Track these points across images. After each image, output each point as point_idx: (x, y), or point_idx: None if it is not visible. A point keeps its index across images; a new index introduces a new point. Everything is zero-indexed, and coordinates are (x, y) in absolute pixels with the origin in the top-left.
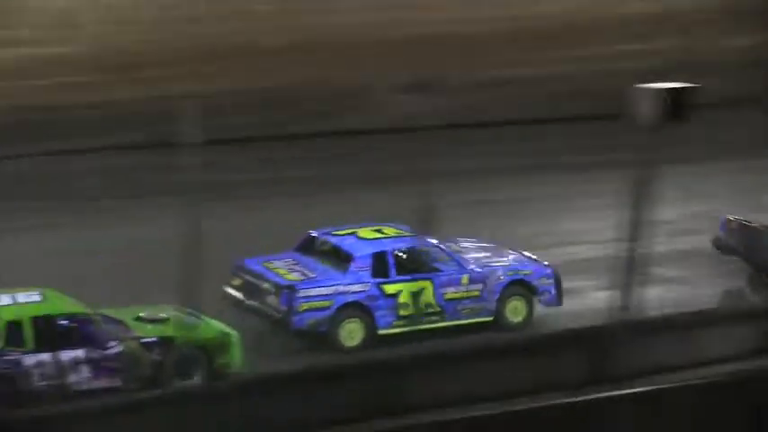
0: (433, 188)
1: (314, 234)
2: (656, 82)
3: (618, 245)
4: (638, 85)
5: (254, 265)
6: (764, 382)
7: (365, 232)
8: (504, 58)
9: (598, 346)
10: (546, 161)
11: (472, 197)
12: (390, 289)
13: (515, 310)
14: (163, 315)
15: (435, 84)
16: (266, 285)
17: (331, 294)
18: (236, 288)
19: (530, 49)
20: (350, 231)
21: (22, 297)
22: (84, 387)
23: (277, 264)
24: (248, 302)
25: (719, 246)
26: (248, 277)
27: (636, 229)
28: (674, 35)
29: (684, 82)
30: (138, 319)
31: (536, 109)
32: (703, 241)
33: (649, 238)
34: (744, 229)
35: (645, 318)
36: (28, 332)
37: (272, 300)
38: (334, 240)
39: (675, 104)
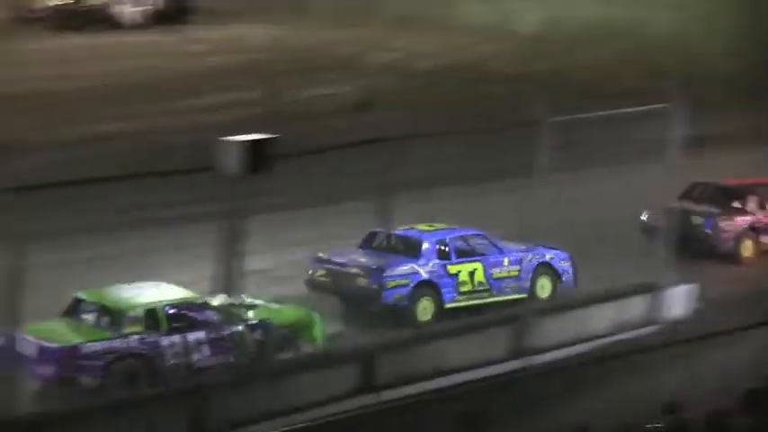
0: (18, 250)
1: (375, 231)
2: (244, 134)
3: (215, 296)
4: (222, 138)
5: (334, 257)
6: (368, 420)
7: (421, 226)
8: (94, 115)
9: (198, 399)
10: (140, 216)
11: (59, 257)
12: (453, 269)
13: (543, 288)
14: (253, 302)
15: (18, 143)
16: (355, 270)
17: (409, 273)
18: (323, 277)
19: (120, 105)
20: (408, 227)
21: (147, 289)
22: (205, 364)
23: (354, 255)
24: (339, 287)
25: (645, 229)
26: (333, 267)
27: (231, 280)
28: (258, 86)
29: (269, 133)
30: (234, 306)
31: (129, 164)
32: (301, 287)
33: (247, 288)
34: (667, 212)
35: (245, 368)
36: (162, 318)
37: (361, 281)
38: (398, 233)
39: (257, 156)
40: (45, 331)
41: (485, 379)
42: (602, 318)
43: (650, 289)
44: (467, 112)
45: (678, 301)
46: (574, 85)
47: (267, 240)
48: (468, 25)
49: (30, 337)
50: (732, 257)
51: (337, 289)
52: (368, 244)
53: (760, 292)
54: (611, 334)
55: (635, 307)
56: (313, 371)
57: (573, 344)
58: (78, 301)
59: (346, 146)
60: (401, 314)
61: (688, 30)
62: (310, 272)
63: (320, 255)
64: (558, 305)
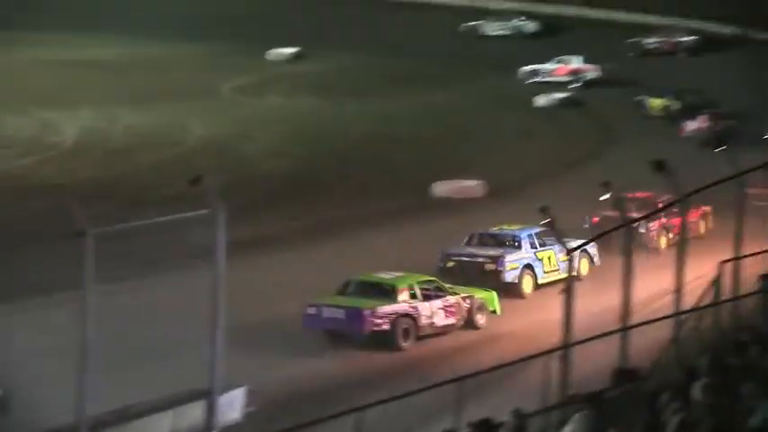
0: None
1: (473, 233)
2: None
3: None
4: None
5: (457, 251)
6: None
7: (508, 226)
8: None
9: None
10: None
11: None
12: (540, 255)
13: (584, 267)
14: (455, 285)
15: None
16: (481, 259)
17: (518, 259)
18: (452, 266)
19: None
20: (498, 227)
21: (396, 273)
22: (440, 324)
23: (470, 249)
24: (468, 271)
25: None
26: (461, 258)
27: None
28: None
29: None
30: (450, 287)
31: None
32: None
33: None
34: (605, 218)
35: None
36: (417, 292)
37: (489, 266)
38: (494, 233)
39: None
40: (344, 301)
41: None
42: (160, 427)
43: (205, 395)
44: (5, 226)
45: (233, 404)
46: (118, 194)
47: None
48: (7, 138)
49: (333, 306)
50: (656, 250)
51: (466, 273)
52: (469, 242)
53: (322, 390)
54: None
55: (192, 413)
56: None
57: None
58: (347, 283)
59: None
60: (513, 288)
61: (230, 134)
62: (441, 264)
63: (446, 250)
64: (117, 417)
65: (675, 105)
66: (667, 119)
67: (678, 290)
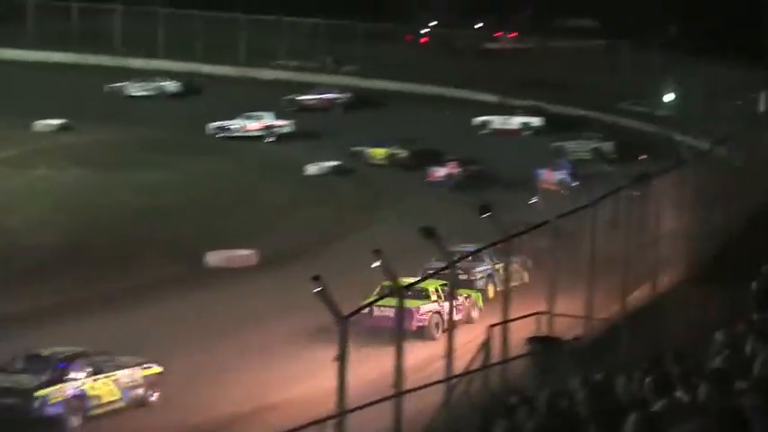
0: None
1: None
2: None
3: None
4: None
5: (432, 265)
6: None
7: (466, 245)
8: None
9: None
10: None
11: None
12: (496, 267)
13: (520, 277)
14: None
15: None
16: (458, 271)
17: (485, 269)
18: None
19: None
20: (461, 247)
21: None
22: (454, 319)
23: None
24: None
25: None
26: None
27: None
28: None
29: None
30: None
31: None
32: None
33: None
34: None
35: None
36: (441, 293)
37: (462, 276)
38: (459, 250)
39: None
40: (391, 302)
41: None
42: None
43: None
44: None
45: None
46: None
47: None
48: None
49: (383, 306)
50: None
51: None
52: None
53: None
54: None
55: None
56: None
57: None
58: (383, 287)
59: None
60: (481, 292)
61: None
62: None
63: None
64: None
65: (402, 153)
66: (395, 166)
67: (449, 354)
